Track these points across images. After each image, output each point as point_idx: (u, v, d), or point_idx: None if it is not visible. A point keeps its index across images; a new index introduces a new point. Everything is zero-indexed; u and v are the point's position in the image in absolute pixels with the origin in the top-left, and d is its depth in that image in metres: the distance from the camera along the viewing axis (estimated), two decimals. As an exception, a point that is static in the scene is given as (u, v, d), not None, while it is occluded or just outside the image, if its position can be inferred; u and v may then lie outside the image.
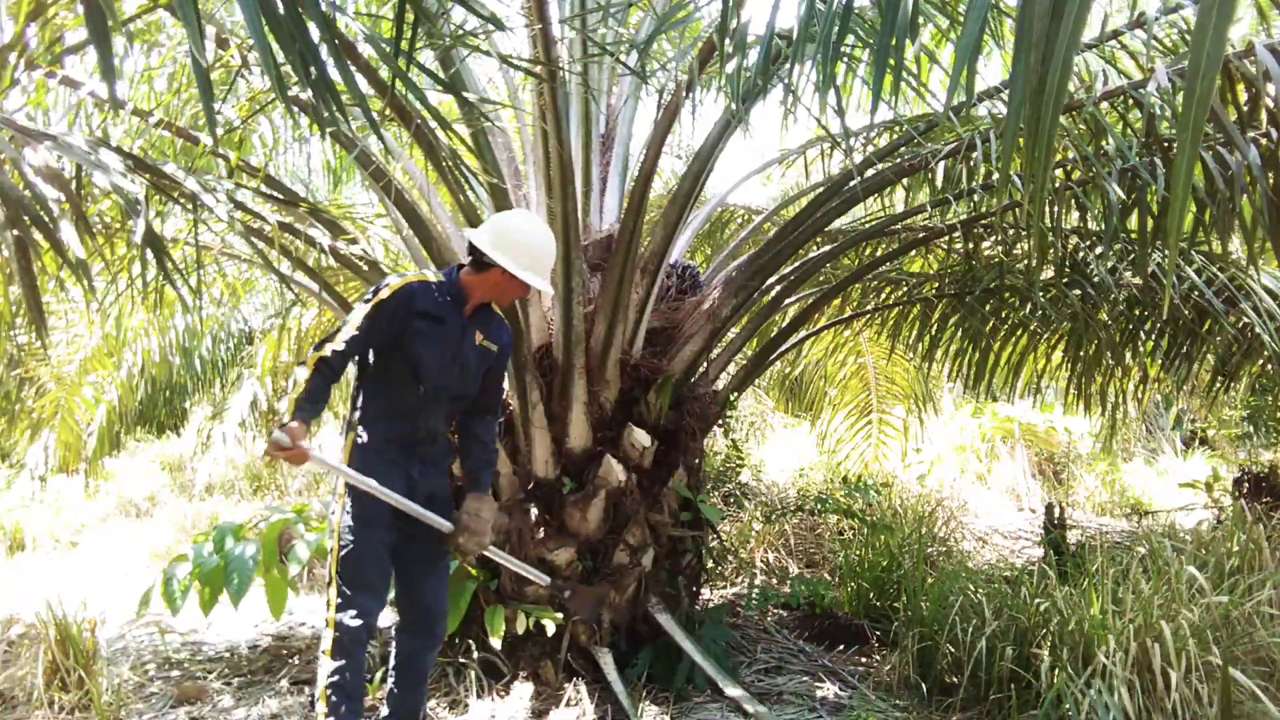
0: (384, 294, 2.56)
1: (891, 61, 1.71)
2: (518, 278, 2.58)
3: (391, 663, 2.76)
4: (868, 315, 5.47)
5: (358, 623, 2.52)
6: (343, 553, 2.56)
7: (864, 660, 3.88)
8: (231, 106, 4.24)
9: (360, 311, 2.53)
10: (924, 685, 3.37)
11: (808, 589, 4.56)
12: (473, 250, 2.62)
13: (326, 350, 2.47)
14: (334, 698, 2.49)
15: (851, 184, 3.59)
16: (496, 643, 3.28)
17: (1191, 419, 10.20)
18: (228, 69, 3.68)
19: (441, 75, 2.69)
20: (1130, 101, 3.47)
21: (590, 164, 3.88)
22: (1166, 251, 3.91)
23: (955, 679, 3.35)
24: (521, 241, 2.60)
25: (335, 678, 2.49)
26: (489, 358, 2.77)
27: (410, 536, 2.66)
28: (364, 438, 2.62)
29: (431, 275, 2.69)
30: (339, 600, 2.55)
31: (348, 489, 2.58)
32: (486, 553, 2.74)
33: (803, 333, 5.22)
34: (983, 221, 4.15)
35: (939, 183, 4.23)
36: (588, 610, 3.13)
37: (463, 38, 2.77)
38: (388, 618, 4.39)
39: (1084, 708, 2.72)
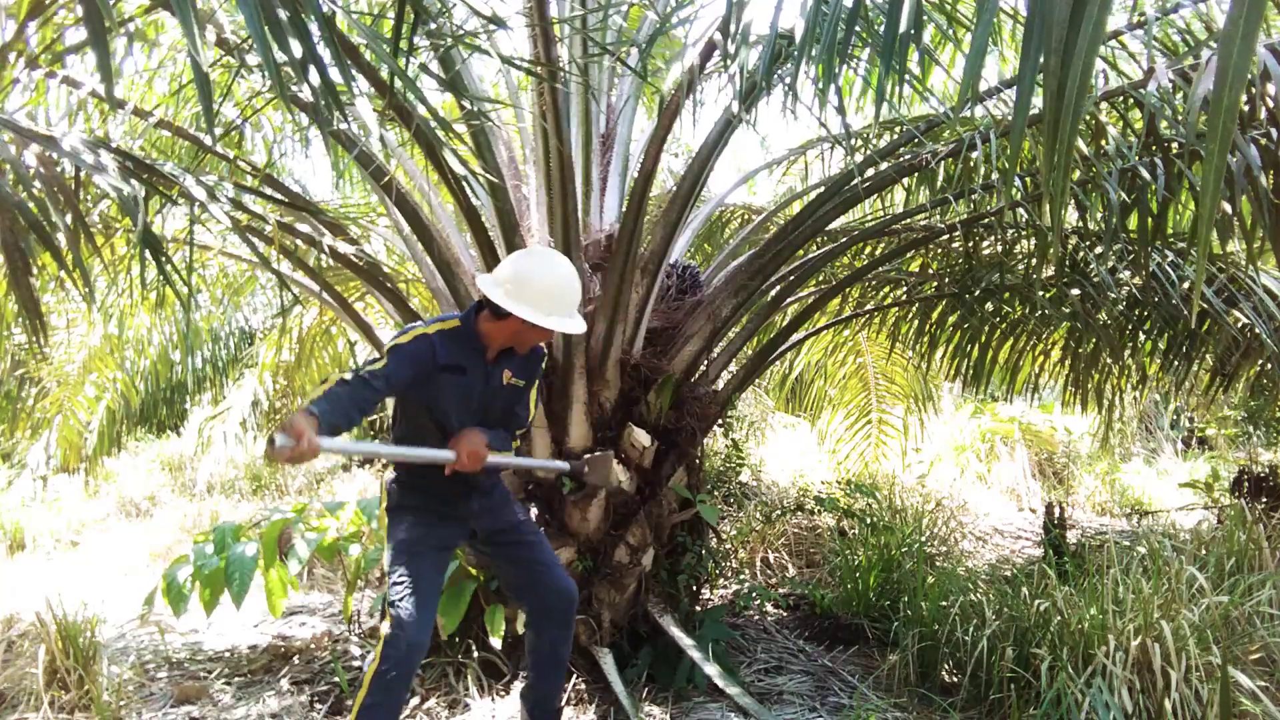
0: (403, 339, 2.48)
1: (895, 64, 1.71)
2: (538, 325, 2.46)
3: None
4: (867, 315, 5.46)
5: None
6: None
7: (864, 660, 3.88)
8: (232, 106, 4.24)
9: (386, 353, 2.45)
10: (924, 685, 3.37)
11: (806, 590, 4.56)
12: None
13: (348, 375, 2.35)
14: None
15: (852, 184, 3.58)
16: (497, 642, 3.28)
17: (1190, 418, 10.20)
18: (227, 69, 3.68)
19: (442, 75, 2.69)
20: (1130, 101, 3.47)
21: (590, 164, 3.88)
22: (1168, 252, 3.92)
23: (955, 679, 3.36)
24: (539, 287, 2.46)
25: None
26: (519, 392, 2.72)
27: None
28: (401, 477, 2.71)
29: (451, 321, 2.59)
30: None
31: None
32: (491, 459, 2.57)
33: (803, 333, 5.22)
34: (983, 221, 4.15)
35: (939, 182, 4.22)
36: (606, 477, 3.01)
37: (463, 37, 2.76)
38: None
39: (1084, 708, 2.73)
